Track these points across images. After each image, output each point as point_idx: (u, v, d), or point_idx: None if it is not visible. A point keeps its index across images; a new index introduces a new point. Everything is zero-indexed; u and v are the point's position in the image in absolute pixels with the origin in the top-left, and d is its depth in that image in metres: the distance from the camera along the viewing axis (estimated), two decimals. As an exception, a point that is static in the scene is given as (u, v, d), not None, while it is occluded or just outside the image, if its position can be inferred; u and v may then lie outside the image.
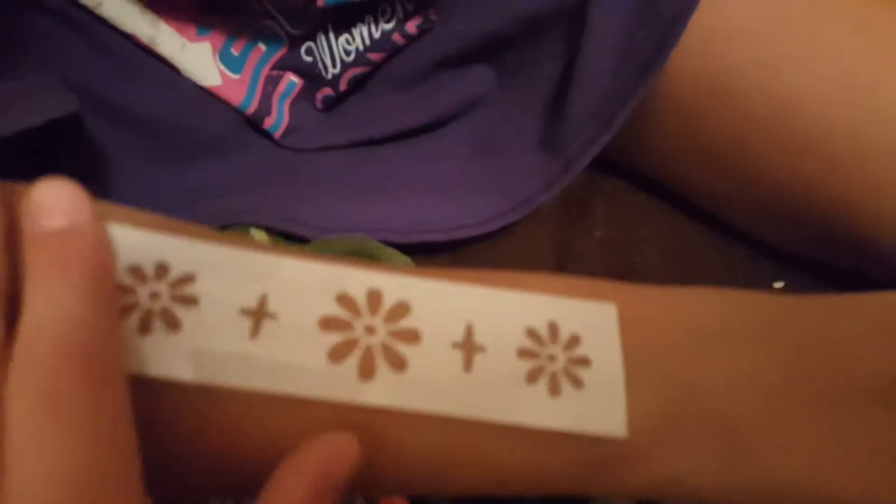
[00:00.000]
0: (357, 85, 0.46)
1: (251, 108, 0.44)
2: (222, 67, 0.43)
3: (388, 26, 0.44)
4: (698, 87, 0.39)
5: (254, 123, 0.45)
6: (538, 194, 0.42)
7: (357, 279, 0.24)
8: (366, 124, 0.46)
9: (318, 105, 0.46)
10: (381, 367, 0.23)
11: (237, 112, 0.44)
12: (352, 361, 0.22)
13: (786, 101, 0.37)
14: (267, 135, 0.45)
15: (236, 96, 0.43)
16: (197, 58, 0.42)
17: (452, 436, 0.23)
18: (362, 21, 0.44)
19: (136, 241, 0.22)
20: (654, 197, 0.46)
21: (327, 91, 0.45)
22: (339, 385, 0.22)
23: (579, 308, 0.24)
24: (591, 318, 0.24)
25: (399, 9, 0.44)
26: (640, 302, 0.26)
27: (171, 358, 0.21)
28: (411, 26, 0.44)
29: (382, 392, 0.22)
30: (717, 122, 0.39)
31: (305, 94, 0.46)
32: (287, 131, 0.45)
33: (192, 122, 0.42)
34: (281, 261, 0.23)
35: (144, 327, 0.22)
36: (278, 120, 0.45)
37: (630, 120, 0.40)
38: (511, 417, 0.23)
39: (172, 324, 0.22)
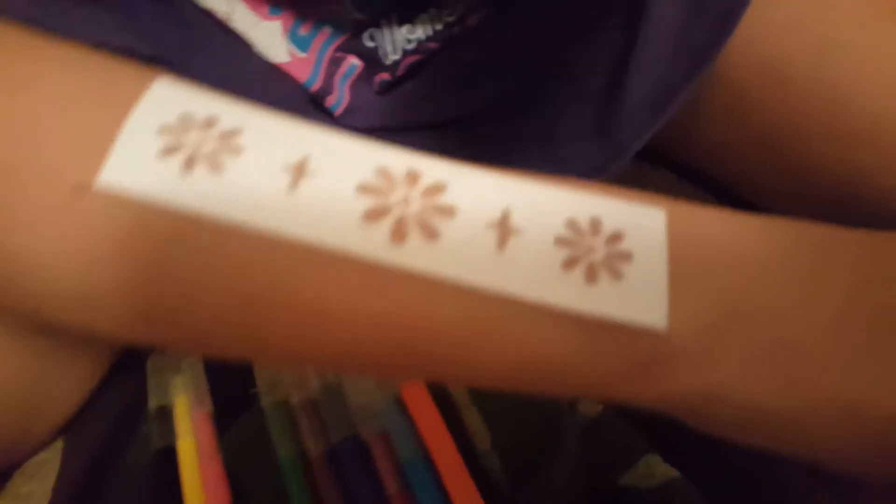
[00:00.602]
0: (413, 71, 0.48)
1: (315, 86, 0.45)
2: (291, 46, 0.45)
3: (451, 19, 0.46)
4: (752, 75, 0.40)
5: (316, 101, 0.46)
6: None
7: (398, 157, 0.24)
8: (420, 109, 0.48)
9: (376, 87, 0.48)
10: (414, 234, 0.22)
11: (302, 89, 0.46)
12: (385, 225, 0.22)
13: (837, 90, 0.38)
14: (327, 113, 0.47)
15: (302, 74, 0.45)
16: (268, 35, 0.44)
17: (479, 311, 0.22)
18: (426, 12, 0.46)
19: (187, 93, 0.23)
20: (702, 189, 0.47)
21: (385, 76, 0.47)
22: (370, 243, 0.22)
23: (626, 208, 0.23)
24: (637, 218, 0.23)
25: (462, 4, 0.45)
26: (695, 217, 0.25)
27: (208, 195, 0.22)
28: (472, 20, 0.46)
29: (413, 256, 0.22)
30: (770, 111, 0.40)
31: (365, 77, 0.47)
32: (346, 110, 0.47)
33: (260, 96, 0.44)
34: (326, 132, 0.24)
35: (188, 167, 0.22)
36: (339, 99, 0.46)
37: (682, 109, 0.41)
38: (542, 297, 0.22)
39: (216, 166, 0.22)
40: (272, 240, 0.22)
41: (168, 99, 0.23)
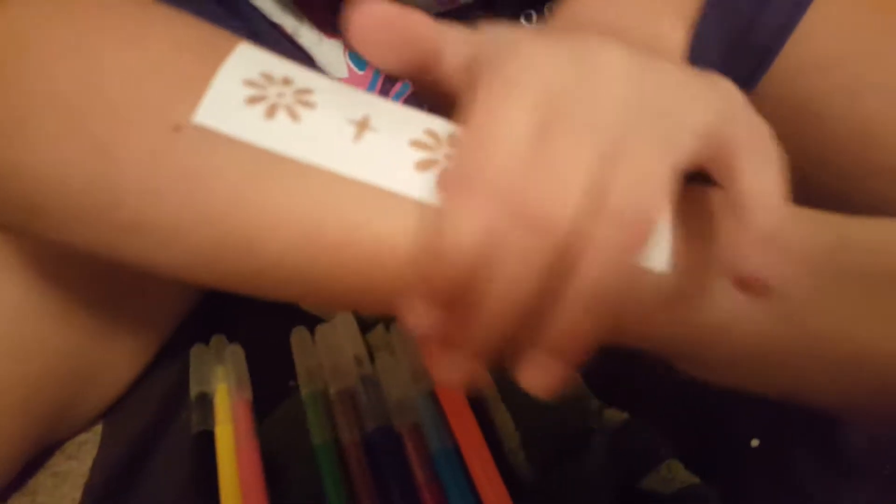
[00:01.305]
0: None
1: (370, 102, 0.49)
2: (350, 63, 0.48)
3: None
4: (784, 110, 0.42)
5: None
6: None
7: (442, 124, 0.27)
8: None
9: (426, 108, 0.51)
10: None
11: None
12: (431, 175, 0.25)
13: (866, 126, 0.40)
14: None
15: (359, 88, 0.48)
16: (330, 52, 0.47)
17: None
18: None
19: (268, 58, 0.27)
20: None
21: (435, 100, 0.50)
22: (421, 190, 0.25)
23: None
24: None
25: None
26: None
27: (287, 139, 0.25)
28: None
29: None
30: (799, 144, 0.42)
31: (415, 98, 0.50)
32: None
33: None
34: (382, 99, 0.28)
35: (270, 114, 0.26)
36: (391, 116, 0.49)
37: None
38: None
39: (294, 116, 0.26)
40: (339, 179, 0.25)
41: (251, 58, 0.27)
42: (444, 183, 0.24)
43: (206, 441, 0.42)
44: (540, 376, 0.24)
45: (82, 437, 0.48)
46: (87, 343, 0.44)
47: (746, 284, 0.22)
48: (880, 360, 0.24)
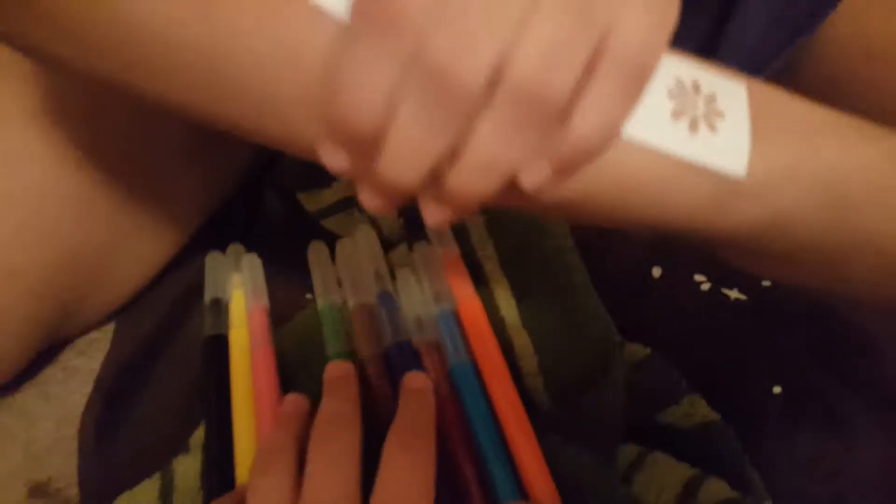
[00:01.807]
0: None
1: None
2: None
3: None
4: (849, 53, 0.41)
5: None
6: None
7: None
8: None
9: None
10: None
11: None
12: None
13: None
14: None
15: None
16: None
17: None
18: None
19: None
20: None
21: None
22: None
23: (717, 77, 0.28)
24: (726, 85, 0.28)
25: None
26: (770, 91, 0.29)
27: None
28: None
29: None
30: (863, 90, 0.41)
31: None
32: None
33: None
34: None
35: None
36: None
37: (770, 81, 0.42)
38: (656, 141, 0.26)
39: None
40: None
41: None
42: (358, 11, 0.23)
43: (218, 345, 0.41)
44: (436, 214, 0.27)
45: (93, 334, 0.48)
46: (106, 237, 0.44)
47: None
48: None
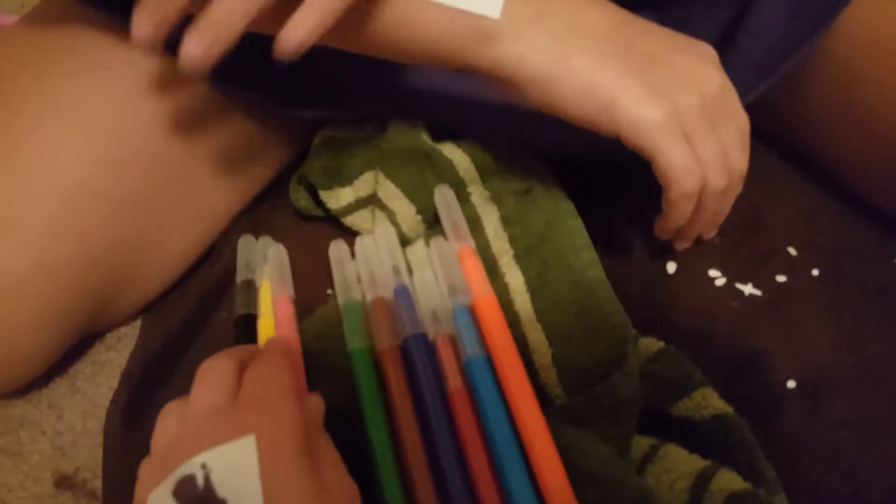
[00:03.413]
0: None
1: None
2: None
3: None
4: (864, 48, 0.41)
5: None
6: None
7: None
8: None
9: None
10: None
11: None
12: None
13: None
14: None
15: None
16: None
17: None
18: None
19: None
20: (788, 162, 0.49)
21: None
22: None
23: None
24: None
25: None
26: None
27: None
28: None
29: None
30: (877, 85, 0.41)
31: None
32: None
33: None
34: None
35: None
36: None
37: (786, 78, 0.42)
38: None
39: None
40: None
41: None
42: None
43: (248, 324, 0.43)
44: (190, 48, 0.32)
45: (122, 329, 0.50)
46: (139, 234, 0.45)
47: None
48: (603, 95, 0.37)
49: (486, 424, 0.36)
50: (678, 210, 0.40)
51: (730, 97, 0.38)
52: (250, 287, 0.44)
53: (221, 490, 0.27)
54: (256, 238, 0.48)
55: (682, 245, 0.46)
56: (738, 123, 0.39)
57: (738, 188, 0.41)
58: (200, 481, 0.27)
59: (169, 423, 0.32)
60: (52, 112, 0.42)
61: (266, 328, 0.42)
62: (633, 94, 0.36)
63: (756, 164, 0.42)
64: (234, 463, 0.28)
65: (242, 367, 0.33)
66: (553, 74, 0.37)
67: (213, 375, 0.32)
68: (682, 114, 0.37)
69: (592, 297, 0.40)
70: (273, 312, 0.43)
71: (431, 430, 0.36)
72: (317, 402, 0.34)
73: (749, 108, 0.41)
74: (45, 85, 0.42)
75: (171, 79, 0.45)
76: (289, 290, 0.44)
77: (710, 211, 0.41)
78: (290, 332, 0.41)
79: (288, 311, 0.42)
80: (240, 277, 0.45)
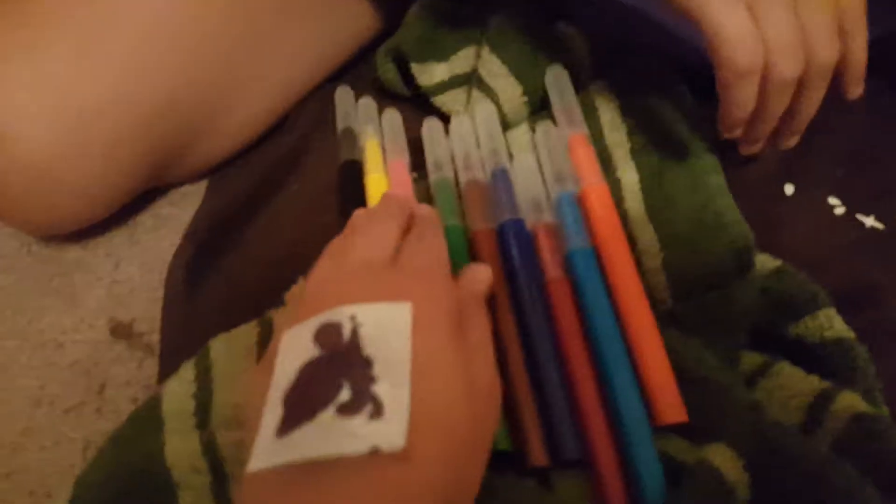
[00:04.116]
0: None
1: None
2: None
3: None
4: None
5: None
6: None
7: None
8: None
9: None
10: None
11: None
12: None
13: None
14: None
15: None
16: None
17: None
18: None
19: None
20: None
21: None
22: None
23: None
24: None
25: None
26: None
27: None
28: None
29: None
30: None
31: None
32: None
33: None
34: None
35: None
36: None
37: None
38: None
39: None
40: None
41: None
42: None
43: (354, 169, 0.41)
44: None
45: (186, 188, 0.47)
46: (217, 81, 0.42)
47: None
48: None
49: (588, 318, 0.33)
50: (733, 96, 0.34)
51: None
52: (351, 135, 0.42)
53: (369, 347, 0.25)
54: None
55: (748, 149, 0.39)
56: (838, 1, 0.33)
57: (822, 84, 0.34)
58: (347, 332, 0.25)
59: (324, 264, 0.31)
60: None
61: (378, 185, 0.40)
62: None
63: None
64: (388, 324, 0.25)
65: (401, 231, 0.32)
66: None
67: (376, 231, 0.31)
68: None
69: (711, 203, 0.36)
70: (387, 174, 0.40)
71: (527, 322, 0.34)
72: (482, 275, 0.32)
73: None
74: None
75: None
76: (405, 157, 0.41)
77: (775, 106, 0.35)
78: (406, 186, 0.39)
79: (405, 178, 0.40)
80: (341, 125, 0.43)
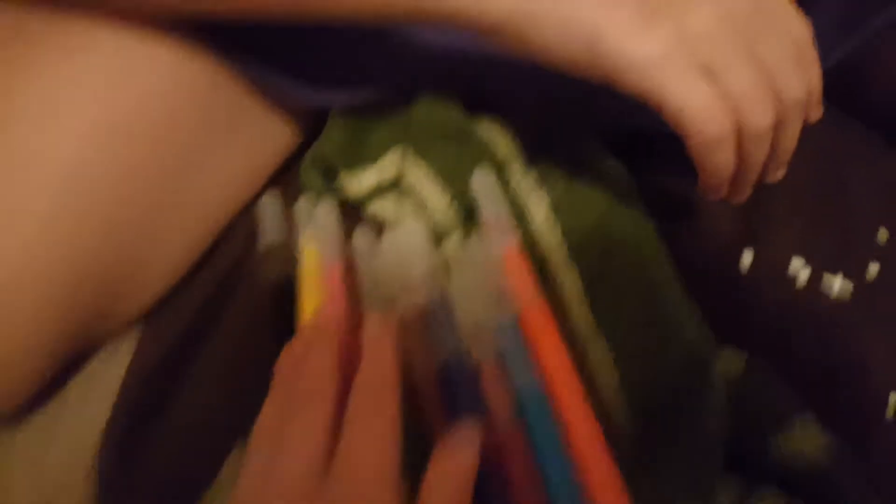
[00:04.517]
0: None
1: None
2: None
3: None
4: None
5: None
6: None
7: None
8: None
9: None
10: None
11: None
12: None
13: None
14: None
15: None
16: None
17: None
18: None
19: None
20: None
21: None
22: None
23: None
24: None
25: None
26: None
27: None
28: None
29: None
30: None
31: None
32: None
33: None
34: None
35: None
36: None
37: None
38: None
39: None
40: None
41: None
42: None
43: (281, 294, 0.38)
44: None
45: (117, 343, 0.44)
46: (150, 210, 0.39)
47: None
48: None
49: (543, 472, 0.30)
50: (710, 163, 0.32)
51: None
52: (278, 250, 0.40)
53: None
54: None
55: (738, 199, 0.37)
56: (789, 33, 0.31)
57: (798, 118, 0.33)
58: None
59: (246, 487, 0.27)
60: (41, 89, 0.36)
61: (312, 302, 0.36)
62: (619, 23, 0.29)
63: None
64: None
65: (334, 403, 0.28)
66: (526, 10, 0.31)
67: (298, 432, 0.27)
68: (695, 37, 0.30)
69: (662, 299, 0.34)
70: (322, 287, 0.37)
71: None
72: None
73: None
74: (42, 56, 0.37)
75: (171, 54, 0.39)
76: (342, 260, 0.38)
77: (757, 155, 0.33)
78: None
79: (340, 289, 0.36)
80: (264, 242, 0.40)
